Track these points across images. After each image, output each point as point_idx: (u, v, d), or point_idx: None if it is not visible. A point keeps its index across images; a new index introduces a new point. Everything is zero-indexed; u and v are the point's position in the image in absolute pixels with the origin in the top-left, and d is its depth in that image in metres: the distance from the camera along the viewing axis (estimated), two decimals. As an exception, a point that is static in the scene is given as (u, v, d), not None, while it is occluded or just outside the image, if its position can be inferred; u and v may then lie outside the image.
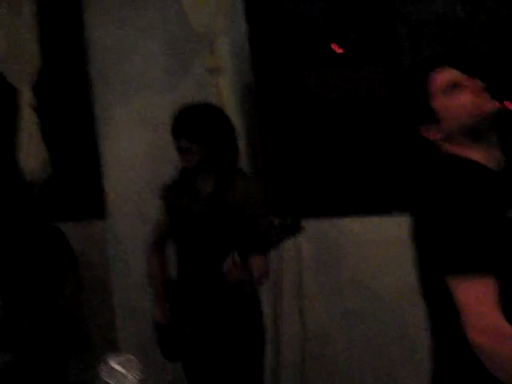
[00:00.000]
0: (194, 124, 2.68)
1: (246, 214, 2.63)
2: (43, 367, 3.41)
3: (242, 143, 3.52)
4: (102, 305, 4.01)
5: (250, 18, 3.73)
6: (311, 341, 3.59)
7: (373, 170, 3.52)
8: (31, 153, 3.45)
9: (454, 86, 1.67)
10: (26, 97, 3.49)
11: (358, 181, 3.55)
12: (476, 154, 1.65)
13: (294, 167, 3.64)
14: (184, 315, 2.71)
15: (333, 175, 3.56)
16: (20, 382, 3.33)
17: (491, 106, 1.64)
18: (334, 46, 3.55)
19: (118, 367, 1.54)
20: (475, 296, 1.48)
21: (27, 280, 3.66)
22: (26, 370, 3.28)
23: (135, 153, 3.69)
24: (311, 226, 3.52)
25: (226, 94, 3.35)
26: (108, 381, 1.52)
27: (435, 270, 1.59)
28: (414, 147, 1.88)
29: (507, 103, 3.21)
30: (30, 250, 3.70)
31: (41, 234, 3.75)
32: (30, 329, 3.32)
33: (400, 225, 3.31)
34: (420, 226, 1.69)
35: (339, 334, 3.57)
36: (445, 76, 1.69)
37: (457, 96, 1.66)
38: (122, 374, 1.53)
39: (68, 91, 4.18)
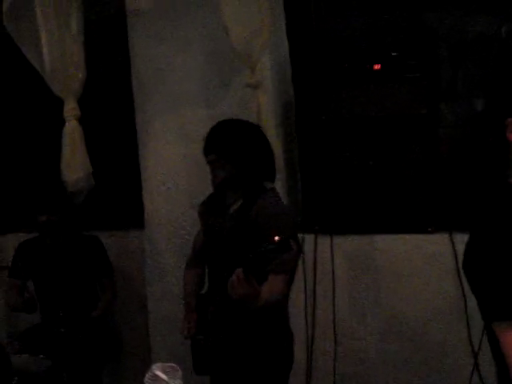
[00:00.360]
0: (222, 139, 2.71)
1: (258, 226, 2.57)
2: (80, 373, 3.47)
3: (280, 160, 3.58)
4: (136, 313, 4.08)
5: (291, 36, 3.78)
6: (343, 358, 3.60)
7: (411, 188, 3.52)
8: (75, 164, 3.51)
9: None
10: (71, 108, 3.55)
11: (395, 199, 3.55)
12: None
13: (331, 184, 3.64)
14: (209, 329, 2.71)
15: (370, 193, 3.56)
16: (56, 388, 3.37)
17: None
18: (375, 65, 3.56)
19: (161, 375, 1.58)
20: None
21: (65, 287, 3.74)
22: (64, 376, 3.32)
23: (173, 166, 3.77)
24: (347, 242, 3.57)
25: (266, 111, 3.37)
26: (150, 386, 1.57)
27: (482, 314, 1.55)
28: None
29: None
30: (69, 259, 3.78)
31: (80, 243, 3.83)
32: (66, 335, 3.38)
33: (436, 243, 3.40)
34: (470, 257, 1.60)
35: (371, 351, 3.57)
36: None
37: None
38: (166, 382, 1.58)
39: (111, 104, 4.27)
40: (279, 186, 3.64)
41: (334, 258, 3.53)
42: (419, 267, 3.44)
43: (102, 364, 3.78)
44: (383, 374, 3.55)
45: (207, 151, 2.72)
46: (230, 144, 2.68)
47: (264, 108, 3.41)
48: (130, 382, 4.12)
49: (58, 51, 3.41)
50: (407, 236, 3.48)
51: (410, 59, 3.51)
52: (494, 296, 1.49)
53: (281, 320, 2.74)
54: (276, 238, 2.12)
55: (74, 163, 3.51)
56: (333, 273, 3.55)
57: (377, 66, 3.52)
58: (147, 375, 1.58)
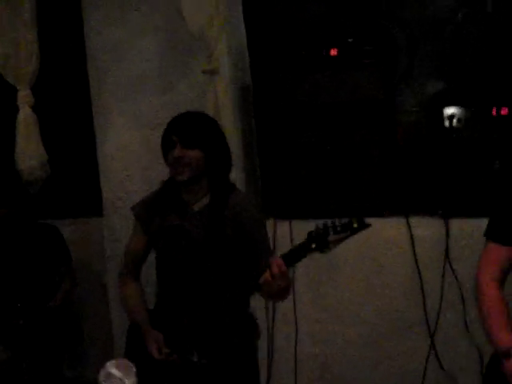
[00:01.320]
0: (194, 130, 2.46)
1: (244, 228, 2.45)
2: (40, 363, 3.46)
3: (238, 146, 3.59)
4: (97, 301, 4.07)
5: (248, 21, 3.77)
6: (304, 341, 3.66)
7: (368, 172, 3.55)
8: (30, 152, 3.47)
9: None
10: (25, 95, 3.50)
11: (352, 183, 3.58)
12: None
13: (290, 170, 3.67)
14: (188, 345, 2.41)
15: (327, 178, 3.59)
16: (18, 378, 3.37)
17: None
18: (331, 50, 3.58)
19: (115, 372, 1.59)
20: (487, 255, 2.19)
21: (23, 278, 3.71)
22: (24, 366, 3.31)
23: (131, 152, 3.74)
24: (306, 226, 3.58)
25: (223, 97, 3.37)
26: (105, 384, 1.58)
27: None
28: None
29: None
30: (26, 248, 3.75)
31: (37, 232, 3.80)
32: (25, 326, 3.36)
33: (392, 227, 3.46)
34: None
35: (331, 334, 3.63)
36: None
37: None
38: (120, 379, 1.58)
39: (66, 91, 4.22)
40: (238, 172, 3.67)
41: (292, 242, 3.56)
42: (376, 251, 3.49)
43: (63, 353, 3.76)
44: (343, 355, 3.61)
45: (172, 145, 2.45)
46: (201, 134, 2.47)
47: (221, 94, 3.41)
48: (93, 369, 4.12)
49: (9, 38, 3.36)
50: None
51: (366, 45, 3.53)
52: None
53: (249, 314, 2.63)
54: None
55: (29, 151, 3.48)
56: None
57: (333, 52, 3.53)
58: (101, 373, 1.59)
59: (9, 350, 3.36)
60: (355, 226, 2.15)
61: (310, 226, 3.51)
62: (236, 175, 3.67)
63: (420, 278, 3.37)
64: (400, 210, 3.47)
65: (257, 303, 3.63)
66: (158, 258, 2.61)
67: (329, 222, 2.17)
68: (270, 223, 3.60)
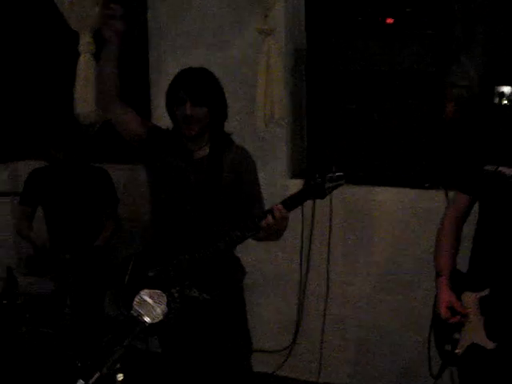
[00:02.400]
0: (203, 88, 2.60)
1: (241, 177, 2.67)
2: (82, 298, 3.63)
3: (286, 105, 3.66)
4: (139, 244, 4.22)
5: (308, -16, 3.81)
6: (334, 301, 3.76)
7: (412, 144, 3.59)
8: (87, 98, 3.60)
9: None
10: (87, 42, 3.61)
11: (396, 153, 3.63)
12: None
13: (335, 134, 3.73)
14: (184, 281, 2.62)
15: (371, 145, 3.64)
16: (60, 311, 3.55)
17: None
18: (388, 19, 3.59)
19: (148, 299, 1.72)
20: (453, 200, 2.70)
21: (73, 215, 3.88)
22: (67, 299, 3.49)
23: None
24: (346, 191, 3.66)
25: (275, 57, 3.43)
26: (138, 309, 1.71)
27: None
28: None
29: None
30: (78, 188, 3.91)
31: (89, 174, 3.96)
32: (71, 260, 3.53)
33: (431, 199, 3.49)
34: None
35: (361, 297, 3.72)
36: None
37: None
38: (152, 306, 1.72)
39: (126, 39, 4.32)
40: (284, 131, 3.76)
41: (332, 206, 3.64)
42: (413, 221, 3.55)
43: (104, 291, 3.93)
44: (372, 319, 3.71)
45: (183, 101, 2.58)
46: (210, 91, 2.63)
47: (274, 54, 3.47)
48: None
49: (75, -16, 3.47)
50: (404, 190, 3.58)
51: (423, 16, 3.54)
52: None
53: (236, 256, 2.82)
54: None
55: (87, 97, 3.61)
56: (330, 219, 3.67)
57: (389, 20, 3.55)
58: (136, 299, 1.72)
59: (54, 282, 3.54)
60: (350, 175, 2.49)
61: (351, 190, 3.64)
62: (284, 135, 3.79)
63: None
64: (441, 183, 3.51)
65: (290, 261, 3.80)
66: (155, 195, 2.75)
67: (325, 169, 2.47)
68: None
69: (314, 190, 2.48)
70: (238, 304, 2.80)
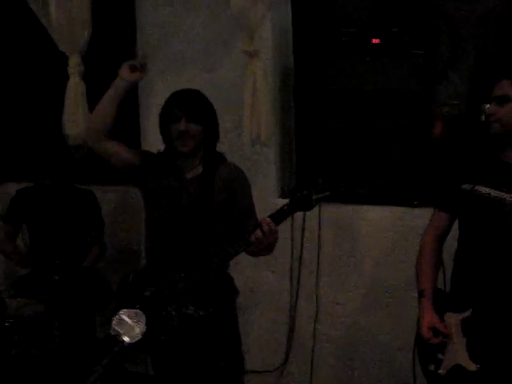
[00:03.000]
0: (198, 105, 2.69)
1: (234, 194, 2.71)
2: (72, 320, 3.63)
3: (275, 126, 3.69)
4: (131, 265, 4.22)
5: (294, 6, 3.84)
6: (324, 321, 3.75)
7: (400, 161, 3.61)
8: (76, 119, 3.63)
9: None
10: (76, 64, 3.64)
11: (384, 171, 3.64)
12: None
13: (323, 153, 3.74)
14: (180, 299, 2.64)
15: (359, 164, 3.65)
16: (49, 333, 3.54)
17: None
18: (374, 40, 3.62)
19: (127, 319, 1.72)
20: (432, 218, 2.66)
21: (58, 236, 3.89)
22: (55, 321, 3.48)
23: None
24: (335, 210, 3.68)
25: (262, 78, 3.46)
26: (116, 328, 1.71)
27: None
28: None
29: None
30: (64, 209, 3.92)
31: (74, 195, 3.97)
32: (60, 282, 3.53)
33: (420, 217, 3.50)
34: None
35: (351, 316, 3.71)
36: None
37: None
38: (130, 325, 1.72)
39: (115, 62, 4.35)
40: (272, 151, 3.78)
41: (321, 225, 3.65)
42: (402, 239, 3.55)
43: (94, 314, 3.93)
44: (361, 338, 3.70)
45: (177, 119, 2.66)
46: (204, 109, 2.72)
47: (259, 75, 3.49)
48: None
49: (65, 8, 3.51)
50: (393, 208, 3.59)
51: (409, 36, 3.57)
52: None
53: (228, 274, 2.85)
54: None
55: (76, 118, 3.64)
56: (319, 238, 3.67)
57: (375, 40, 3.58)
58: (114, 318, 1.72)
59: (42, 304, 3.53)
60: (338, 185, 2.56)
61: (340, 210, 3.65)
62: (273, 155, 3.81)
63: (444, 269, 3.40)
64: (430, 201, 3.51)
65: (280, 281, 3.80)
66: (149, 215, 2.81)
67: (311, 182, 2.53)
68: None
69: (301, 201, 2.52)
70: (232, 322, 2.82)
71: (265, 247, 2.57)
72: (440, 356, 2.49)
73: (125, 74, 2.78)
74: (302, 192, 2.52)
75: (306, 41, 3.83)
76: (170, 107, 2.71)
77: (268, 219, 2.50)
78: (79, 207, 3.93)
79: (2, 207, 4.42)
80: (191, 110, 2.66)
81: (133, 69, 2.79)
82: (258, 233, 2.49)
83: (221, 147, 2.86)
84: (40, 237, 3.95)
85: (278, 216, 2.53)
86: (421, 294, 2.59)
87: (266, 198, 3.75)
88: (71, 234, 3.91)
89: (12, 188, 4.45)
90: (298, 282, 3.77)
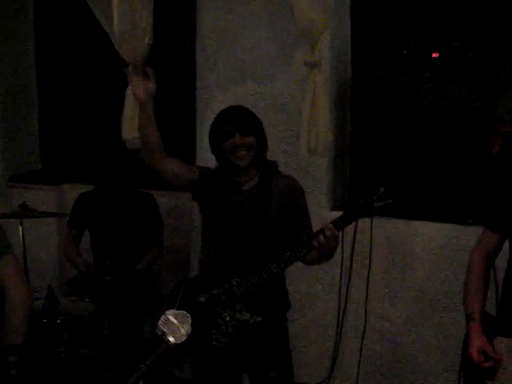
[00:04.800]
0: (248, 119, 2.76)
1: (291, 202, 2.75)
2: (122, 320, 3.67)
3: (331, 137, 3.67)
4: (180, 271, 4.26)
5: (355, 18, 3.83)
6: (371, 336, 3.70)
7: (456, 178, 3.55)
8: (134, 125, 3.67)
9: None
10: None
11: (439, 187, 3.59)
12: None
13: (377, 166, 3.71)
14: (236, 305, 2.69)
15: (414, 179, 3.61)
16: (99, 332, 3.59)
17: None
18: (434, 53, 3.59)
19: (173, 319, 1.74)
20: (481, 237, 2.58)
21: (117, 239, 3.96)
22: (105, 321, 3.53)
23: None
24: (387, 224, 3.64)
25: (321, 89, 3.45)
26: (162, 328, 1.73)
27: None
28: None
29: None
30: (124, 213, 3.99)
31: (135, 199, 4.04)
32: (111, 283, 3.58)
33: (474, 235, 3.41)
34: None
35: (399, 332, 3.65)
36: None
37: None
38: (176, 326, 1.73)
39: (175, 70, 4.43)
40: (326, 162, 3.77)
41: (372, 239, 3.60)
42: (454, 257, 3.49)
43: (144, 315, 3.98)
44: (408, 356, 3.64)
45: (232, 133, 2.70)
46: (256, 121, 2.78)
47: (320, 86, 3.48)
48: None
49: (127, 16, 3.57)
50: (447, 225, 3.53)
51: (470, 51, 3.52)
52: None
53: (285, 287, 2.88)
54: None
55: (134, 124, 3.68)
56: (370, 253, 3.62)
57: (435, 54, 3.54)
58: (161, 318, 1.74)
59: (93, 303, 3.59)
60: (400, 193, 2.59)
61: (392, 224, 3.61)
62: (327, 166, 3.80)
63: (496, 288, 3.32)
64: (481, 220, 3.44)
65: (329, 295, 3.77)
66: (208, 226, 2.85)
67: (374, 190, 2.56)
68: (352, 217, 3.68)
69: (364, 208, 2.57)
70: (283, 333, 2.83)
71: (325, 253, 2.63)
72: (489, 383, 2.41)
73: (139, 92, 2.79)
74: (364, 199, 2.56)
75: (364, 53, 3.82)
76: (220, 125, 2.76)
77: (330, 225, 2.55)
78: (140, 210, 4.00)
79: (59, 208, 4.55)
80: (243, 124, 2.72)
81: (144, 79, 2.80)
82: (321, 237, 2.54)
83: (276, 157, 2.89)
84: (101, 240, 4.03)
85: (341, 222, 2.58)
86: (469, 317, 2.51)
87: (318, 210, 3.74)
88: (132, 236, 3.98)
89: (69, 189, 4.58)
90: (347, 296, 3.73)
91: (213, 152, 2.80)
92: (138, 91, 2.80)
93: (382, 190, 2.57)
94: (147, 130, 2.81)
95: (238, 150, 2.70)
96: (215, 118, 2.81)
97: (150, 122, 2.81)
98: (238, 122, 2.72)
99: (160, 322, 1.74)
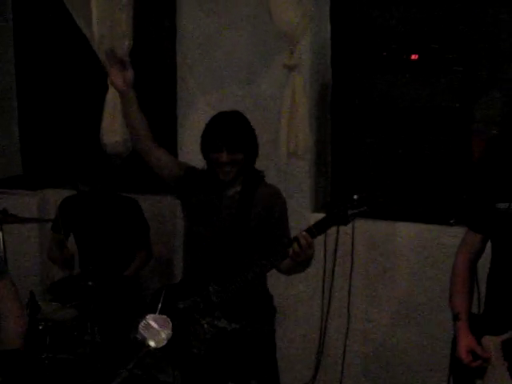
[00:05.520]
0: (239, 136, 2.69)
1: (272, 211, 2.72)
2: (105, 326, 3.65)
3: (310, 140, 3.68)
4: (164, 277, 4.25)
5: (334, 20, 3.85)
6: (354, 338, 3.71)
7: (437, 179, 3.58)
8: (114, 129, 3.68)
9: None
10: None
11: (420, 188, 3.62)
12: None
13: (359, 168, 3.73)
14: (214, 312, 2.68)
15: (395, 180, 3.63)
16: (80, 338, 3.58)
17: None
18: (413, 55, 3.61)
19: (153, 324, 1.74)
20: (464, 237, 2.61)
21: (102, 244, 3.94)
22: (88, 327, 3.52)
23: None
24: (369, 226, 3.66)
25: (300, 92, 3.46)
26: (142, 333, 1.72)
27: None
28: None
29: None
30: (108, 218, 3.97)
31: (117, 203, 4.02)
32: (94, 288, 3.56)
33: (455, 236, 3.45)
34: None
35: (382, 333, 3.67)
36: None
37: None
38: (157, 330, 1.73)
39: (155, 74, 4.42)
40: (307, 165, 3.78)
41: (354, 240, 3.62)
42: (436, 257, 3.51)
43: (129, 320, 3.95)
44: (393, 357, 3.65)
45: (219, 149, 2.66)
46: (248, 136, 2.72)
47: (299, 89, 3.50)
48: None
49: (107, 20, 3.57)
50: (428, 226, 3.55)
51: (448, 52, 3.55)
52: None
53: (267, 290, 2.87)
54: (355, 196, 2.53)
55: (114, 128, 3.68)
56: (352, 254, 3.65)
57: (414, 57, 3.57)
58: (141, 323, 1.74)
59: (75, 309, 3.57)
60: (375, 200, 2.53)
61: (374, 225, 3.63)
62: (308, 169, 3.81)
63: (478, 287, 3.35)
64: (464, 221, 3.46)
65: (312, 297, 3.78)
66: (189, 230, 2.84)
67: (347, 197, 2.52)
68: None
69: (338, 216, 2.53)
70: (268, 340, 2.81)
71: (301, 262, 2.57)
72: (479, 382, 2.41)
73: (118, 82, 2.78)
74: (338, 207, 2.53)
75: (344, 55, 3.83)
76: (211, 136, 2.72)
77: (305, 233, 2.51)
78: (123, 215, 3.97)
79: (40, 213, 4.52)
80: (232, 140, 2.66)
81: (122, 68, 2.78)
82: (296, 246, 2.50)
83: (257, 160, 2.85)
84: (86, 245, 4.00)
85: (315, 230, 2.54)
86: (456, 317, 2.53)
87: (300, 211, 3.75)
88: (117, 241, 3.96)
89: (50, 194, 4.56)
90: (330, 298, 3.74)
91: (203, 157, 2.78)
92: (116, 80, 2.79)
93: (355, 197, 2.53)
94: (132, 118, 2.80)
95: (224, 167, 2.67)
96: (208, 123, 2.76)
97: (134, 110, 2.80)
98: (228, 138, 2.66)
99: (140, 326, 1.74)
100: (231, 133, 2.68)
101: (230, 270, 2.66)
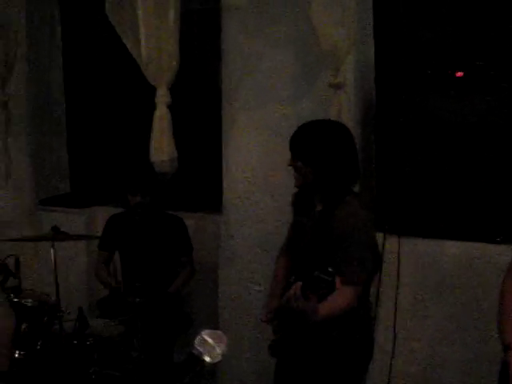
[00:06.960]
0: (304, 144, 2.75)
1: (343, 240, 2.67)
2: (151, 342, 3.69)
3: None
4: (208, 294, 4.28)
5: (378, 39, 3.86)
6: (400, 357, 3.67)
7: (484, 196, 3.55)
8: (162, 147, 3.73)
9: None
10: (162, 95, 3.76)
11: (467, 206, 3.59)
12: None
13: (405, 186, 3.72)
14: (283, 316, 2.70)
15: (442, 198, 3.61)
16: (127, 354, 3.62)
17: None
18: (458, 73, 3.61)
19: (209, 339, 1.76)
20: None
21: (147, 261, 4.00)
22: (135, 343, 3.56)
23: (254, 157, 3.95)
24: (415, 244, 3.64)
25: (346, 111, 3.48)
26: (198, 348, 1.75)
27: None
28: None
29: None
30: (154, 236, 4.03)
31: (165, 221, 4.08)
32: (141, 304, 3.60)
33: (503, 254, 3.41)
34: None
35: (429, 353, 3.63)
36: None
37: None
38: (211, 346, 1.75)
39: (200, 94, 4.50)
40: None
41: (400, 259, 3.60)
42: (484, 276, 3.46)
43: (173, 337, 3.99)
44: (439, 377, 3.60)
45: (292, 155, 2.79)
46: (311, 150, 2.73)
47: (344, 108, 3.52)
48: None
49: (154, 41, 3.63)
50: (475, 244, 3.51)
51: (494, 69, 3.53)
52: None
53: (355, 324, 2.80)
54: (330, 269, 2.31)
55: (162, 146, 3.73)
56: (398, 273, 3.62)
57: (459, 74, 3.56)
58: (197, 338, 1.77)
59: (123, 325, 3.62)
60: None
61: (420, 244, 3.60)
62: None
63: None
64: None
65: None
66: (291, 245, 2.95)
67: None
68: (379, 237, 3.67)
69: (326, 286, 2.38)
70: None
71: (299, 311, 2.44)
72: None
73: None
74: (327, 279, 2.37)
75: (388, 74, 3.84)
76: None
77: (298, 285, 2.41)
78: (169, 233, 4.04)
79: (88, 231, 4.60)
80: (293, 147, 2.79)
81: None
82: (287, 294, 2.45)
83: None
84: (131, 262, 4.08)
85: (307, 285, 2.40)
86: (507, 347, 2.44)
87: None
88: (161, 258, 4.02)
89: (97, 212, 4.64)
90: (375, 316, 3.71)
91: None
92: None
93: (330, 269, 2.37)
94: None
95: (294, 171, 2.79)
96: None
97: None
98: (291, 144, 2.79)
99: (196, 341, 1.76)
100: (294, 140, 2.80)
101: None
